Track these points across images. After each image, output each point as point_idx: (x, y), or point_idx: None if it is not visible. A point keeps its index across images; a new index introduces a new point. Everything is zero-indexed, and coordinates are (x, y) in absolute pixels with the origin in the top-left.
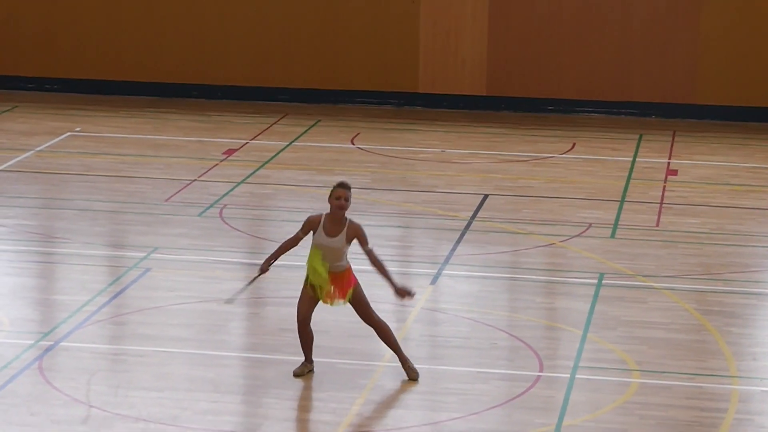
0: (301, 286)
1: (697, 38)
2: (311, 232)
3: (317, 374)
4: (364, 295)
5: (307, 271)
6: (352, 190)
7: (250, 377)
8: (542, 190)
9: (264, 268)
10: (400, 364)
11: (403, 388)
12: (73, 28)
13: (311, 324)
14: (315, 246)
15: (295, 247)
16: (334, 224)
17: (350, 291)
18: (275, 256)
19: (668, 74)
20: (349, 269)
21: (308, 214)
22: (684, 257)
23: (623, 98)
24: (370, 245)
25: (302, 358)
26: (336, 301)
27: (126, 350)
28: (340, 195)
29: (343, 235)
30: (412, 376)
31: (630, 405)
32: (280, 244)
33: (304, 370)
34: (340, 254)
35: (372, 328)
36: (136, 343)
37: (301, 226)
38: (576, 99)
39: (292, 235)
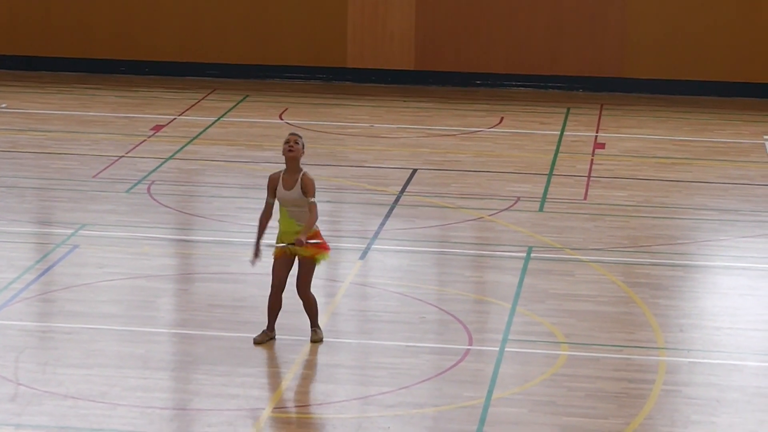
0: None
1: (625, 12)
2: (275, 190)
3: (247, 349)
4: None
5: (279, 233)
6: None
7: (179, 353)
8: (470, 164)
9: (256, 253)
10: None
11: (333, 363)
12: None
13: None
14: (280, 205)
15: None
16: (291, 176)
17: (325, 254)
18: (259, 235)
19: (596, 48)
20: (319, 233)
21: (238, 188)
22: (611, 230)
23: (551, 72)
24: (314, 199)
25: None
26: (320, 255)
27: (54, 327)
28: (288, 140)
29: (298, 186)
30: (315, 338)
31: (559, 377)
32: (258, 223)
33: (265, 338)
34: (303, 209)
35: (301, 300)
36: (64, 320)
37: (266, 191)
38: (504, 73)
39: (263, 207)
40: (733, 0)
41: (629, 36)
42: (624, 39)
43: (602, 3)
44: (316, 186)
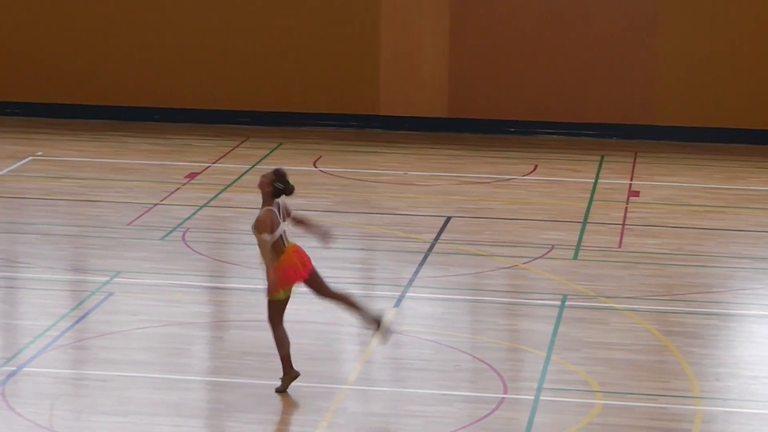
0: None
1: (655, 59)
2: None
3: (280, 397)
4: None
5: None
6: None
7: (213, 401)
8: (504, 212)
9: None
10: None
11: (366, 411)
12: (33, 53)
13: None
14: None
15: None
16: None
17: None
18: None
19: (627, 95)
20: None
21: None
22: (645, 278)
23: (584, 120)
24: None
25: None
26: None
27: (88, 375)
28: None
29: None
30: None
31: (593, 426)
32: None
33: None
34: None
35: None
36: (98, 367)
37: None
38: (537, 120)
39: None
40: (764, 46)
41: (659, 83)
42: (654, 86)
43: (632, 49)
44: (347, 233)
